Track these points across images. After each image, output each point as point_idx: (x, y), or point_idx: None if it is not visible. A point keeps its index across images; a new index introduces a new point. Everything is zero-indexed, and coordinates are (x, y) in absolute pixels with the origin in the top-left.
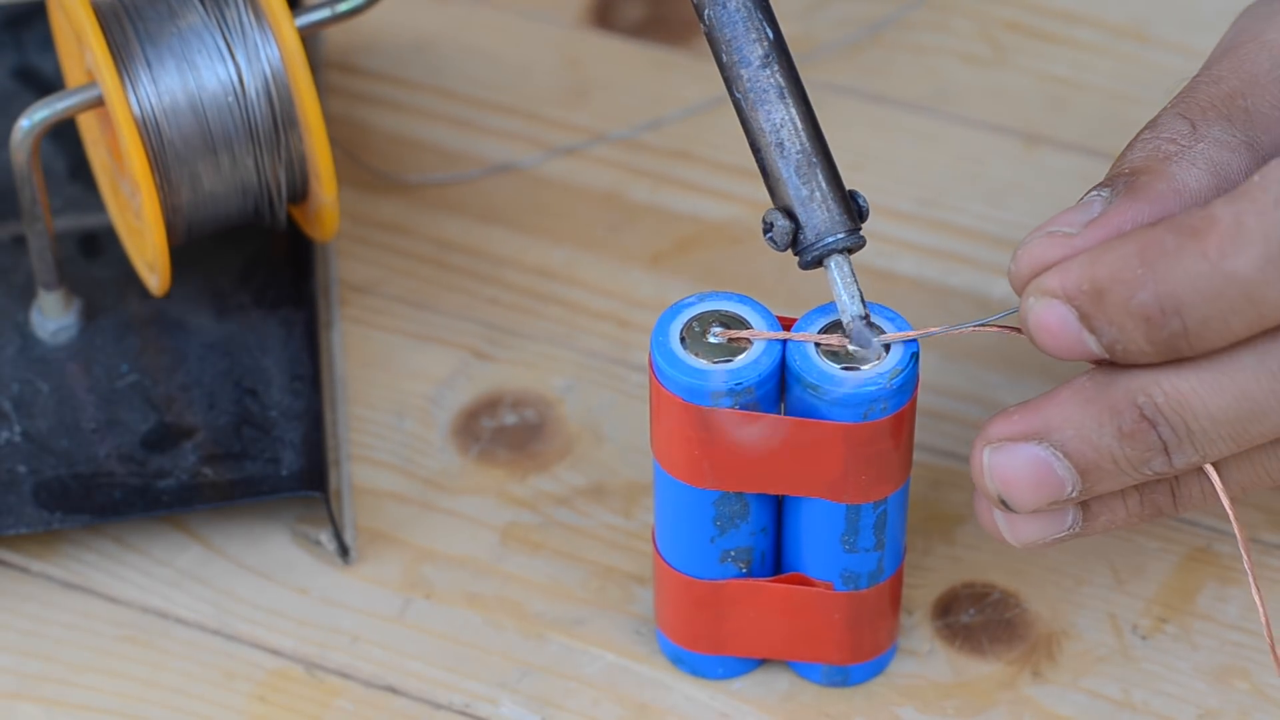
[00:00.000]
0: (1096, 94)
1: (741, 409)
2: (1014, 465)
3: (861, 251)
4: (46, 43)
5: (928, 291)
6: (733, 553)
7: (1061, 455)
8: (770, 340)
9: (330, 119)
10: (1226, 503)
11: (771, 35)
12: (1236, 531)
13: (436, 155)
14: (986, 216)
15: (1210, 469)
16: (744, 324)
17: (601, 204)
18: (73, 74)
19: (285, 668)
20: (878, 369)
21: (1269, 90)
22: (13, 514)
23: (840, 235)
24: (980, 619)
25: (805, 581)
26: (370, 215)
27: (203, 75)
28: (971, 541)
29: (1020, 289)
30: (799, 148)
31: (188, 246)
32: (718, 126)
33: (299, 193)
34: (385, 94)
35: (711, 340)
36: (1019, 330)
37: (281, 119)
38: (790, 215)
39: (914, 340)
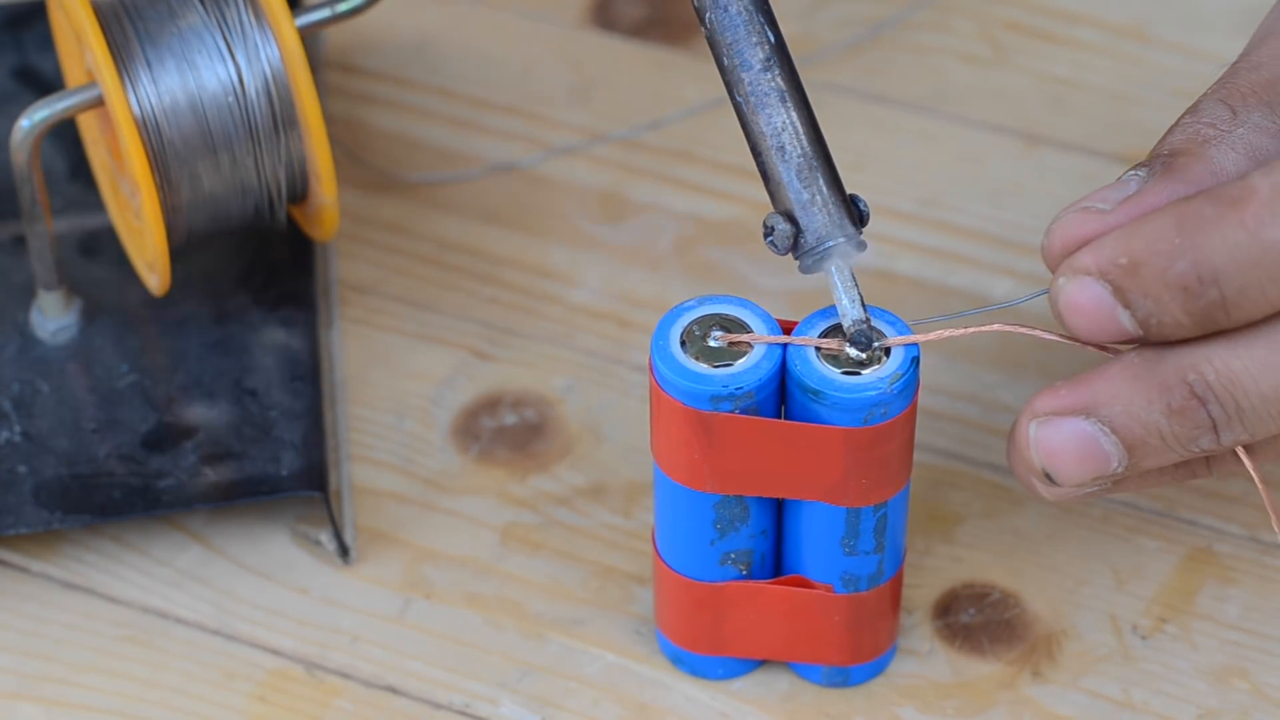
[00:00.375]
0: (1096, 94)
1: (742, 413)
2: (1060, 439)
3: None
4: (46, 43)
5: (928, 292)
6: (733, 555)
7: (1109, 431)
8: (770, 344)
9: (330, 119)
10: (1261, 486)
11: (773, 39)
12: (1265, 501)
13: (436, 155)
14: (986, 216)
15: (1241, 451)
16: (744, 327)
17: (601, 204)
18: (73, 74)
19: (285, 668)
20: (878, 373)
21: None
22: (13, 514)
23: (840, 239)
24: (980, 619)
25: (805, 584)
26: (370, 215)
27: (203, 75)
28: (971, 541)
29: (1053, 264)
30: (800, 151)
31: (188, 246)
32: (718, 126)
33: (299, 193)
34: (385, 94)
35: (712, 344)
36: (1025, 327)
37: (281, 119)
38: (791, 219)
39: (914, 344)
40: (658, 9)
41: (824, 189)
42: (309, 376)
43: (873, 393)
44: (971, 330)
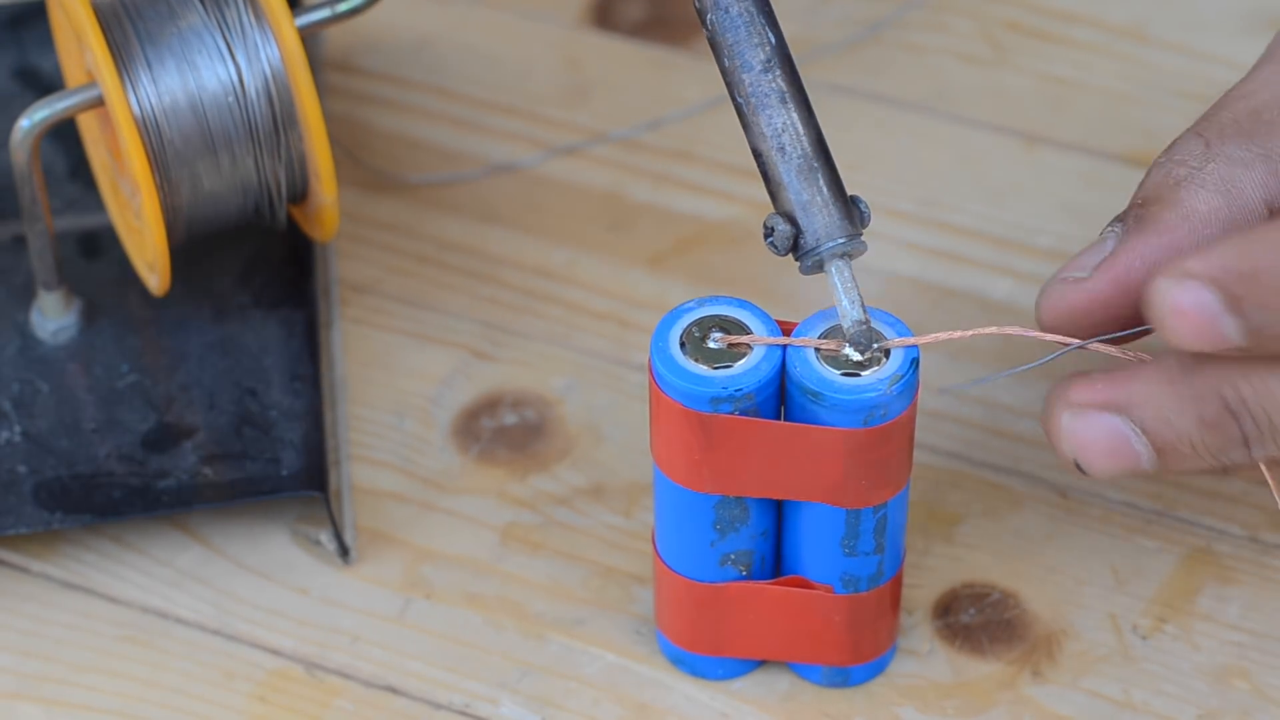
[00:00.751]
0: (1096, 94)
1: (741, 415)
2: (1092, 433)
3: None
4: (46, 43)
5: (928, 292)
6: (733, 556)
7: (1140, 431)
8: (770, 345)
9: (330, 119)
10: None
11: (774, 40)
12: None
13: (436, 155)
14: (986, 216)
15: (1264, 467)
16: (743, 329)
17: (601, 204)
18: (73, 74)
19: (285, 668)
20: (878, 375)
21: None
22: (13, 514)
23: (840, 240)
24: (980, 619)
25: (805, 584)
26: (370, 215)
27: (203, 75)
28: (971, 541)
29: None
30: (800, 152)
31: (188, 246)
32: (718, 127)
33: (299, 193)
34: (385, 94)
35: (711, 345)
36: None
37: (281, 119)
38: (791, 220)
39: (914, 346)
40: (658, 9)
41: (824, 190)
42: (309, 376)
43: (872, 394)
44: (971, 333)
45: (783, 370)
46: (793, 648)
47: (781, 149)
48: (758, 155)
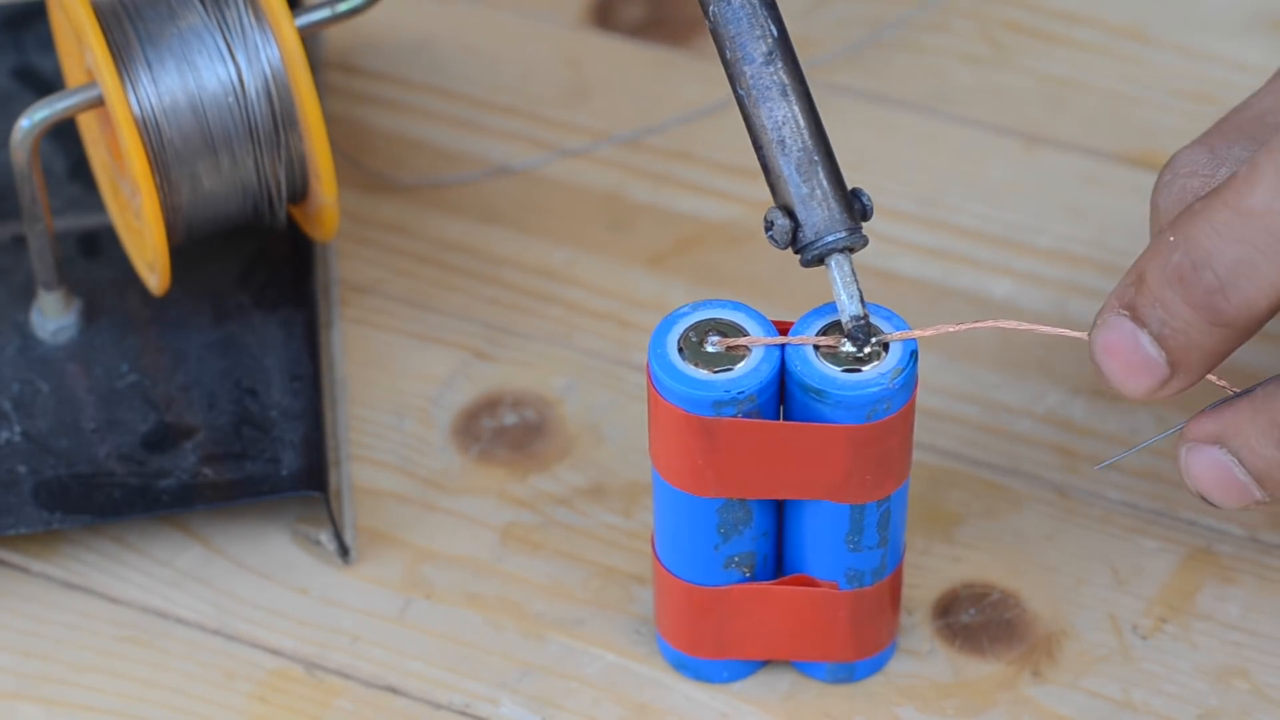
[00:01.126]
0: (1096, 94)
1: (744, 417)
2: (1203, 468)
3: (862, 251)
4: (46, 43)
5: (928, 292)
6: (736, 558)
7: (1238, 462)
8: (769, 346)
9: (330, 119)
10: None
11: (775, 33)
12: None
13: (437, 156)
14: (986, 216)
15: None
16: (740, 331)
17: (601, 204)
18: (73, 74)
19: (285, 668)
20: (879, 369)
21: None
22: (13, 514)
23: (839, 234)
24: (980, 619)
25: (809, 582)
26: (370, 215)
27: (203, 75)
28: (971, 541)
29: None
30: (800, 146)
31: (188, 246)
32: (718, 127)
33: (299, 193)
34: (385, 94)
35: (709, 349)
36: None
37: (281, 119)
38: (790, 214)
39: (913, 339)
40: (658, 9)
41: (824, 183)
42: (309, 376)
43: (875, 389)
44: (967, 326)
45: (782, 370)
46: (797, 646)
47: (781, 142)
48: (758, 148)
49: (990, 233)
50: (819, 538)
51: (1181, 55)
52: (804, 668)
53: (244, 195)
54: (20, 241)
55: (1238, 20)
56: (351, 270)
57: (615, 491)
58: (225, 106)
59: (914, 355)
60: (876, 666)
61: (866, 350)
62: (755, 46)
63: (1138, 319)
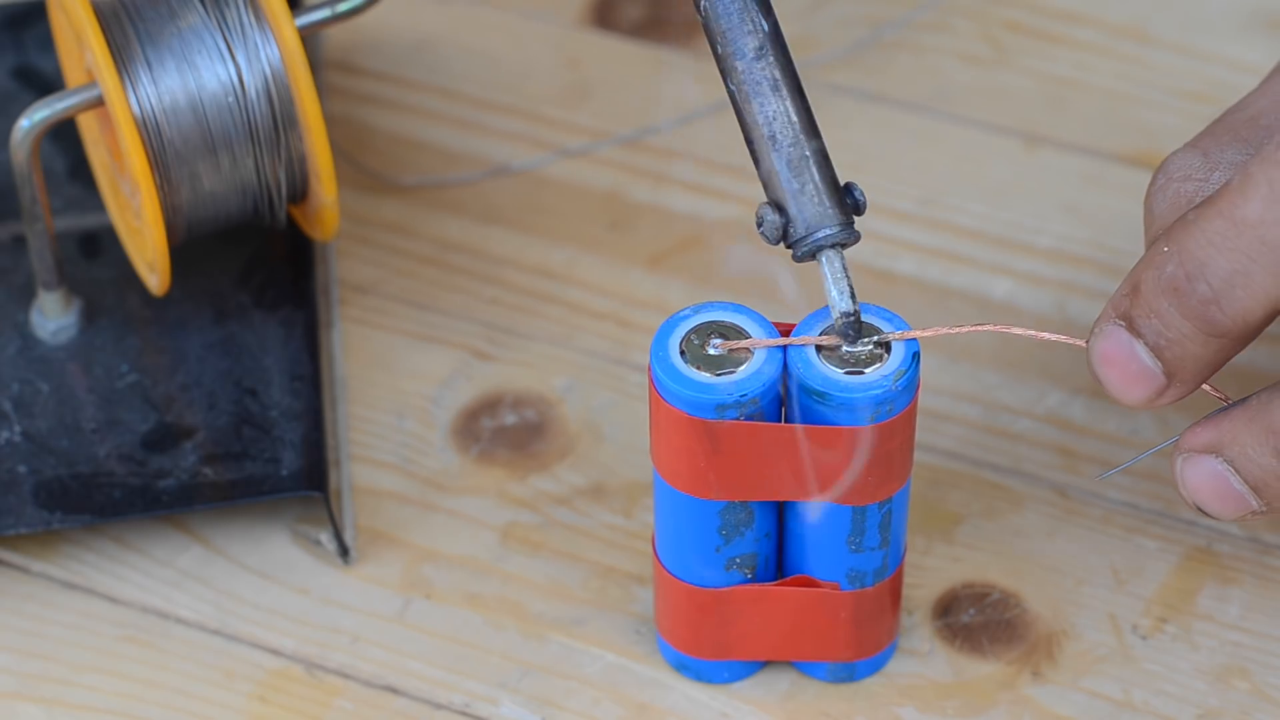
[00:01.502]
0: (1096, 94)
1: (745, 419)
2: (1199, 478)
3: (861, 251)
4: (46, 43)
5: (928, 291)
6: (738, 560)
7: (1234, 471)
8: (771, 348)
9: (330, 119)
10: None
11: (766, 27)
12: None
13: (437, 156)
14: (986, 216)
15: None
16: (741, 333)
17: (601, 204)
18: (73, 74)
19: (285, 668)
20: (881, 372)
21: None
22: (13, 514)
23: (830, 230)
24: (980, 619)
25: (811, 583)
26: (370, 215)
27: (203, 75)
28: (971, 541)
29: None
30: (791, 140)
31: (188, 246)
32: (718, 126)
33: (299, 193)
34: (385, 94)
35: (711, 352)
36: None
37: (281, 119)
38: (781, 209)
39: (914, 340)
40: (658, 9)
41: (815, 178)
42: (309, 376)
43: (878, 391)
44: (968, 328)
45: (784, 372)
46: (798, 647)
47: (773, 137)
48: (749, 143)
49: (990, 233)
50: (820, 539)
51: (1181, 55)
52: (804, 668)
53: (244, 195)
54: (20, 241)
55: (1238, 20)
56: (351, 270)
57: (615, 491)
58: (225, 106)
59: (916, 357)
60: (877, 666)
61: (864, 350)
62: (746, 41)
63: (1133, 330)
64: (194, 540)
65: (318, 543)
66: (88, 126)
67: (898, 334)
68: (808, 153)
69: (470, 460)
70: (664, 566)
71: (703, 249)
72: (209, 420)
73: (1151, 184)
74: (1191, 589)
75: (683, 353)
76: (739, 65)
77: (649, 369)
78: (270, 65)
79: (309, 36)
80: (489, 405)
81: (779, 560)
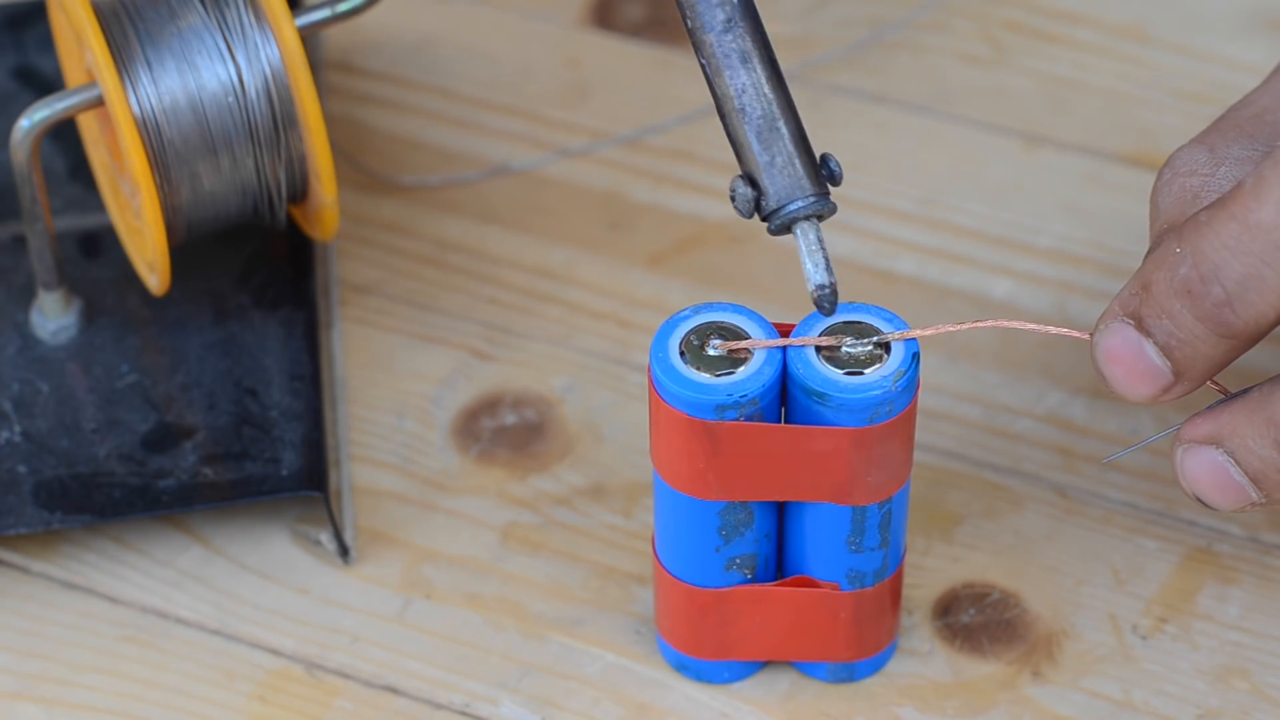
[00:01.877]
0: (1096, 94)
1: (745, 420)
2: (1199, 469)
3: (861, 251)
4: (46, 43)
5: (928, 292)
6: (738, 560)
7: (1234, 463)
8: (771, 349)
9: (330, 119)
10: None
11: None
12: None
13: (437, 156)
14: (986, 216)
15: None
16: (741, 334)
17: (601, 204)
18: (73, 74)
19: (285, 668)
20: (881, 372)
21: None
22: (13, 514)
23: (802, 201)
24: (980, 619)
25: (811, 584)
26: (370, 215)
27: (203, 75)
28: (971, 541)
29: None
30: (761, 112)
31: (188, 246)
32: (718, 126)
33: (299, 193)
34: (385, 94)
35: (711, 353)
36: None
37: (281, 119)
38: (753, 182)
39: (914, 340)
40: (658, 9)
41: (787, 149)
42: (309, 376)
43: (878, 392)
44: (968, 325)
45: (784, 373)
46: (798, 647)
47: (743, 109)
48: (721, 117)
49: (990, 233)
50: (820, 540)
51: (1181, 55)
52: (804, 668)
53: (244, 195)
54: (20, 241)
55: (1238, 20)
56: (351, 270)
57: (615, 491)
58: (225, 106)
59: (916, 358)
60: (877, 666)
61: (864, 350)
62: (714, 14)
63: (1143, 329)
64: (194, 540)
65: (318, 543)
66: (88, 126)
67: (897, 334)
68: (779, 124)
69: (470, 460)
70: (664, 567)
71: (703, 249)
72: (209, 420)
73: (1158, 179)
74: (1191, 589)
75: (682, 353)
76: (708, 39)
77: (649, 370)
78: (270, 65)
79: (309, 36)
80: (489, 405)
81: (779, 560)
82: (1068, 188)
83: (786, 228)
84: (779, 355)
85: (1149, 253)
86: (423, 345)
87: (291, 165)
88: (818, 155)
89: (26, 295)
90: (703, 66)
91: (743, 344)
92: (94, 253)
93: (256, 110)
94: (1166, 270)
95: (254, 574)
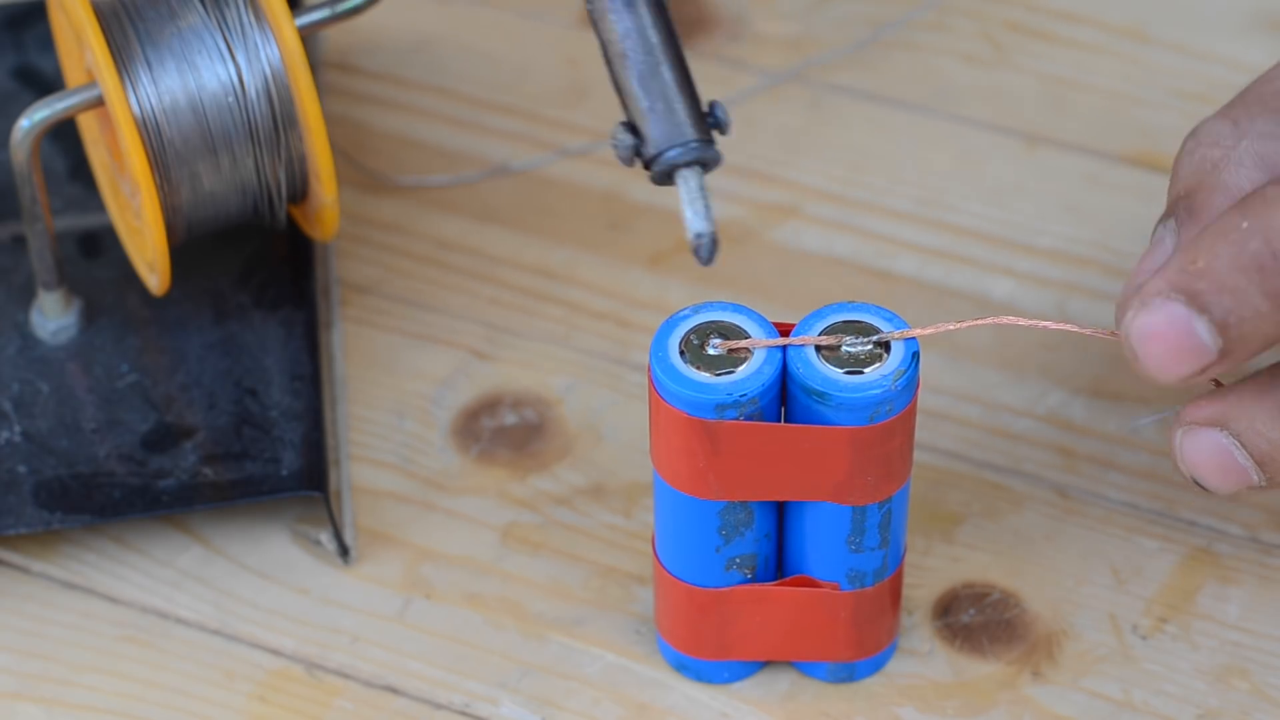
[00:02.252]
0: (1096, 94)
1: (745, 419)
2: (1200, 450)
3: (862, 251)
4: (46, 43)
5: (928, 292)
6: (738, 560)
7: (1239, 445)
8: (770, 348)
9: (330, 119)
10: None
11: None
12: None
13: (436, 155)
14: (986, 216)
15: None
16: (740, 333)
17: (601, 204)
18: (73, 74)
19: (285, 668)
20: (881, 371)
21: None
22: (13, 514)
23: (683, 147)
24: (980, 619)
25: (811, 583)
26: (370, 215)
27: (203, 75)
28: (971, 541)
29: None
30: (644, 57)
31: (187, 246)
32: None
33: (299, 193)
34: (385, 94)
35: (711, 352)
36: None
37: (281, 119)
38: (634, 129)
39: (913, 339)
40: None
41: (670, 95)
42: (309, 376)
43: (878, 391)
44: (967, 324)
45: (783, 372)
46: (798, 647)
47: (624, 55)
48: (606, 65)
49: (990, 233)
50: (820, 539)
51: (1181, 55)
52: (804, 668)
53: (244, 195)
54: (20, 241)
55: (1238, 20)
56: (351, 270)
57: (615, 491)
58: (225, 106)
59: (915, 357)
60: (877, 666)
61: (864, 349)
62: None
63: (1198, 304)
64: (194, 540)
65: (318, 543)
66: (88, 126)
67: (897, 333)
68: (662, 70)
69: (470, 460)
70: (664, 567)
71: None
72: (209, 420)
73: (1181, 148)
74: (1191, 589)
75: (682, 353)
76: None
77: (648, 369)
78: (270, 65)
79: (309, 36)
80: (489, 405)
81: (779, 560)
82: (1068, 188)
83: (668, 175)
84: (779, 354)
85: (1163, 219)
86: (423, 345)
87: (291, 165)
88: (705, 103)
89: (26, 295)
90: (590, 12)
91: (742, 343)
92: (94, 253)
93: (256, 110)
94: (1233, 245)
95: (254, 574)
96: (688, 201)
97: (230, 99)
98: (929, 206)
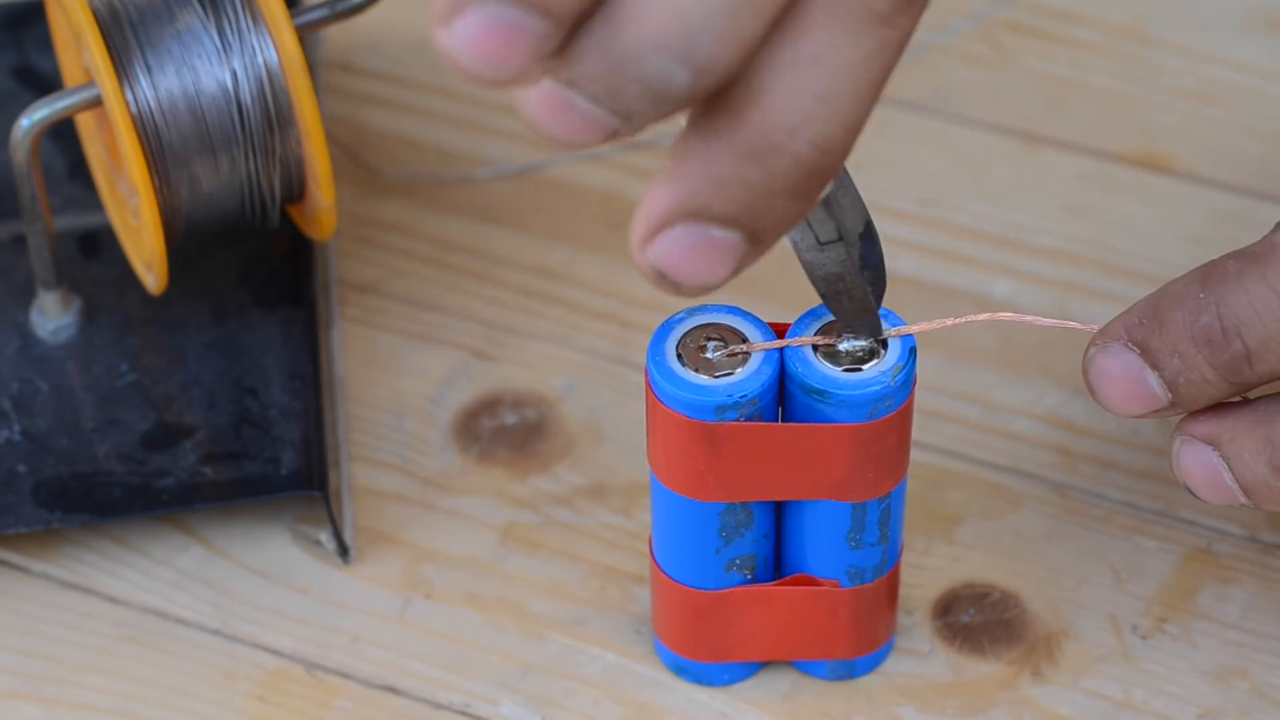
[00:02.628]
0: (1096, 94)
1: (745, 420)
2: (1193, 463)
3: None
4: (46, 43)
5: (928, 292)
6: (738, 561)
7: (1228, 468)
8: (768, 349)
9: (330, 119)
10: None
11: None
12: None
13: (437, 155)
14: (986, 216)
15: None
16: (736, 334)
17: (601, 204)
18: (72, 74)
19: (285, 668)
20: (880, 368)
21: None
22: (13, 514)
23: None
24: (980, 619)
25: (811, 581)
26: (370, 215)
27: (201, 76)
28: (971, 541)
29: (1096, 395)
30: None
31: (186, 245)
32: None
33: (296, 194)
34: (385, 94)
35: (709, 355)
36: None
37: (279, 121)
38: None
39: (911, 335)
40: None
41: None
42: (309, 376)
43: (877, 387)
44: (964, 320)
45: (781, 372)
46: (798, 646)
47: None
48: None
49: (990, 233)
50: (820, 537)
51: (1181, 55)
52: (804, 666)
53: (242, 196)
54: (20, 241)
55: (1238, 20)
56: (351, 270)
57: (615, 491)
58: (223, 108)
59: (913, 352)
60: (876, 663)
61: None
62: None
63: (1151, 361)
64: (194, 540)
65: (318, 543)
66: (83, 121)
67: (894, 330)
68: None
69: (470, 460)
70: (662, 570)
71: None
72: (208, 419)
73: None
74: (1191, 589)
75: (679, 356)
76: None
77: (646, 373)
78: (268, 68)
79: (308, 36)
80: (489, 405)
81: (778, 560)
82: (1068, 188)
83: None
84: (776, 354)
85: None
86: (423, 345)
87: (289, 167)
88: None
89: (26, 295)
90: None
91: (740, 347)
92: (93, 252)
93: (254, 112)
94: (1188, 313)
95: (254, 574)
96: None
97: (228, 101)
98: (929, 206)
